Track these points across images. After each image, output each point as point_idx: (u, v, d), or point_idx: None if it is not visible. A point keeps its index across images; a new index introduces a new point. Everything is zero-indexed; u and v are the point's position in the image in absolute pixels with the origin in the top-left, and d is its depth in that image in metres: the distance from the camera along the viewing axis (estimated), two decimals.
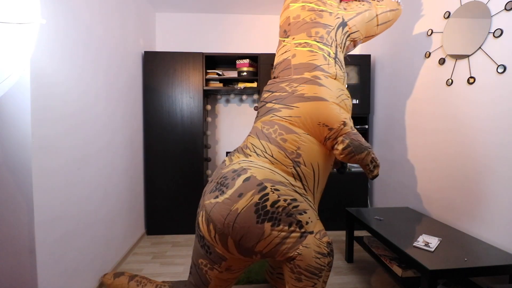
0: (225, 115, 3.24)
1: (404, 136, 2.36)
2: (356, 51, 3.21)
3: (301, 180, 1.36)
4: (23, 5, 0.89)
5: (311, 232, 1.28)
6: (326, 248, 1.27)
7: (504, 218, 1.48)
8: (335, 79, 1.50)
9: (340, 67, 1.55)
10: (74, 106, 1.54)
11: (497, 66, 1.51)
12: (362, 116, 2.87)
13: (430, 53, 2.02)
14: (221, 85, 2.84)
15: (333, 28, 1.54)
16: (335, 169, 2.83)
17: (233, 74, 2.97)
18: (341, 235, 2.72)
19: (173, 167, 2.69)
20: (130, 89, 2.37)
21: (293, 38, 1.57)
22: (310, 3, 1.57)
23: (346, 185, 2.81)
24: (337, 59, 1.54)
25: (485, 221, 1.59)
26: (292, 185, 1.32)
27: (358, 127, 2.90)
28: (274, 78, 1.63)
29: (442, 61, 1.91)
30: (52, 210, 1.36)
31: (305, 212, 1.29)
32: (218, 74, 2.83)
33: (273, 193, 1.24)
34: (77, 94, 1.57)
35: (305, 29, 1.54)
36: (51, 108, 1.35)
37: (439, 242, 1.52)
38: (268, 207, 1.22)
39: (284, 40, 1.64)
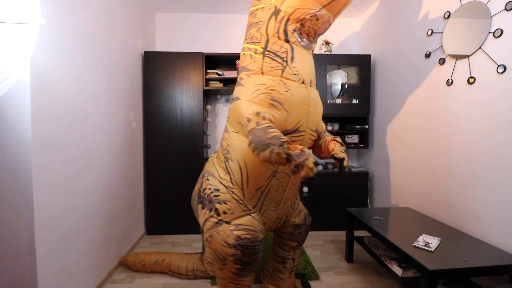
0: (225, 115, 3.24)
1: (404, 136, 2.36)
2: (356, 51, 3.21)
3: (229, 174, 1.45)
4: (23, 5, 0.89)
5: (228, 223, 1.39)
6: (234, 240, 1.34)
7: (504, 218, 1.48)
8: (262, 73, 1.42)
9: (272, 59, 1.41)
10: (74, 106, 1.54)
11: (497, 66, 1.51)
12: (362, 116, 2.87)
13: (430, 53, 2.02)
14: (221, 85, 2.84)
15: (264, 23, 1.45)
16: (335, 169, 2.83)
17: (233, 74, 2.96)
18: (341, 235, 2.72)
19: (173, 167, 2.69)
20: (130, 89, 2.37)
21: None
22: (252, 7, 1.56)
23: (346, 185, 2.81)
24: (267, 52, 1.42)
25: (485, 221, 1.59)
26: (221, 177, 1.47)
27: (358, 127, 2.90)
28: None
29: (442, 61, 1.91)
30: (52, 210, 1.36)
31: (225, 203, 1.41)
32: (218, 74, 2.83)
33: (205, 181, 1.52)
34: (77, 94, 1.57)
35: (246, 34, 1.58)
36: (51, 108, 1.35)
37: (439, 242, 1.52)
38: (201, 192, 1.50)
39: None
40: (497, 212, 1.52)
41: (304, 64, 1.42)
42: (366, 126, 2.86)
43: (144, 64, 2.65)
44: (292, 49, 1.40)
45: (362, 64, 2.81)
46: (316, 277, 1.96)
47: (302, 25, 1.41)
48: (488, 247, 1.48)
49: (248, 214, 1.42)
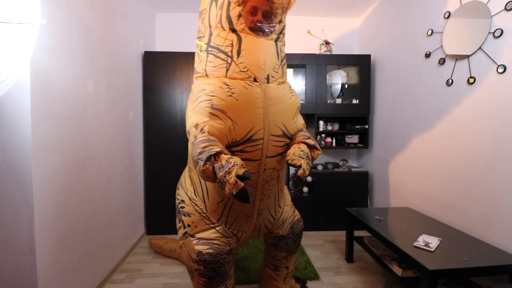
0: None
1: (404, 136, 2.36)
2: (356, 51, 3.21)
3: (192, 185, 1.40)
4: (23, 5, 0.89)
5: (192, 236, 1.34)
6: (195, 255, 1.29)
7: (504, 218, 1.48)
8: (206, 76, 1.22)
9: (215, 56, 1.19)
10: (74, 106, 1.54)
11: (497, 66, 1.51)
12: (362, 116, 2.87)
13: (430, 53, 2.02)
14: None
15: (207, 11, 1.22)
16: (335, 169, 2.81)
17: None
18: (341, 235, 2.72)
19: (173, 167, 2.69)
20: (130, 89, 2.37)
21: None
22: None
23: (346, 185, 2.81)
24: (210, 48, 1.21)
25: (485, 221, 1.59)
26: (187, 188, 1.43)
27: (358, 127, 2.90)
28: None
29: (442, 61, 1.91)
30: (52, 210, 1.36)
31: (189, 216, 1.36)
32: None
33: (177, 191, 1.52)
34: (77, 94, 1.57)
35: None
36: (51, 108, 1.35)
37: (439, 242, 1.52)
38: (175, 201, 1.50)
39: None
40: (497, 212, 1.52)
41: (256, 56, 1.16)
42: (366, 126, 2.86)
43: (144, 64, 2.65)
44: (239, 39, 1.15)
45: (362, 64, 2.82)
46: (316, 277, 1.96)
47: (256, 6, 1.15)
48: (488, 247, 1.48)
49: (212, 227, 1.33)
